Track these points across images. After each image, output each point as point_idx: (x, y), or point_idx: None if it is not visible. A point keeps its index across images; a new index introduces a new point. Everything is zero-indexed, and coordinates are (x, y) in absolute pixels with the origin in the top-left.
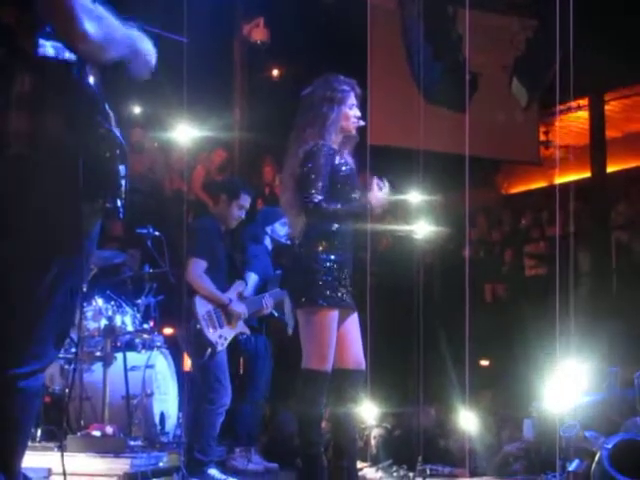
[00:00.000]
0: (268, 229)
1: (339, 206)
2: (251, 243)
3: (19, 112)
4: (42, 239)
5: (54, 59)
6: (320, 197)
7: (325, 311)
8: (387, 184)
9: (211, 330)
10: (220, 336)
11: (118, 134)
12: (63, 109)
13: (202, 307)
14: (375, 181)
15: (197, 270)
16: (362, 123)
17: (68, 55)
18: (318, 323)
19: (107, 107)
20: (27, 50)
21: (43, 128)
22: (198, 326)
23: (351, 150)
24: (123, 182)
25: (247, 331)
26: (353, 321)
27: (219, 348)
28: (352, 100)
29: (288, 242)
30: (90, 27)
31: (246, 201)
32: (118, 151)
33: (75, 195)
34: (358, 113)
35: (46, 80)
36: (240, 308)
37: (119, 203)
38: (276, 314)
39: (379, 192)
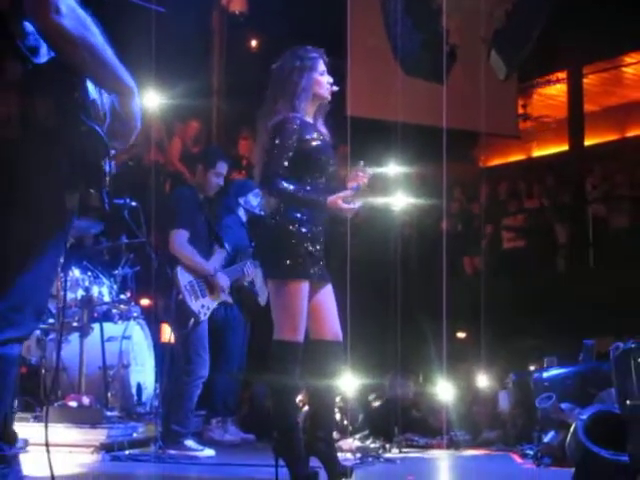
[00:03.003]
0: (241, 200)
1: (292, 187)
2: (224, 214)
3: (8, 96)
4: (28, 216)
5: (40, 50)
6: (279, 173)
7: (296, 282)
8: (357, 204)
9: (193, 300)
10: (202, 306)
11: (100, 131)
12: (49, 99)
13: (184, 277)
14: (345, 192)
15: (180, 240)
16: (335, 88)
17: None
18: (288, 294)
19: (91, 101)
20: (16, 38)
21: (30, 114)
22: (180, 296)
23: (323, 118)
24: (107, 176)
25: (230, 300)
26: (327, 292)
27: (202, 318)
28: (322, 67)
29: (262, 213)
30: (66, 21)
31: (223, 168)
32: (100, 147)
33: (58, 179)
34: (330, 79)
35: (34, 69)
36: (223, 280)
37: (104, 192)
38: (246, 284)
39: (342, 202)
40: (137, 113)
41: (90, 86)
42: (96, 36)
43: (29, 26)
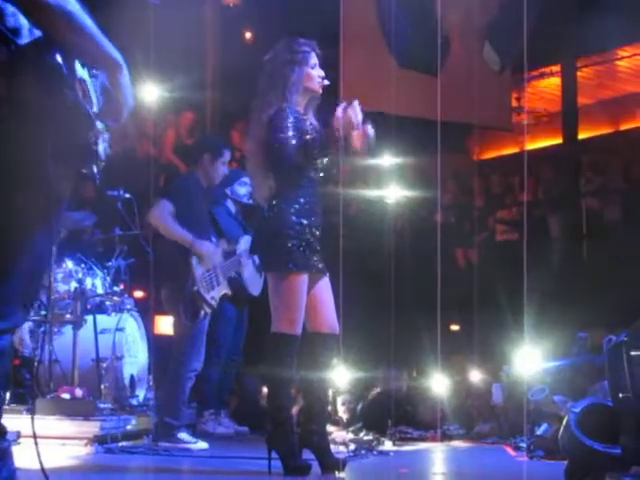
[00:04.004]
0: (227, 190)
1: (304, 155)
2: (211, 205)
3: None
4: (13, 204)
5: (22, 30)
6: (291, 151)
7: (295, 275)
8: (357, 109)
9: (207, 291)
10: (212, 297)
11: (86, 106)
12: (35, 79)
13: (199, 268)
14: (341, 106)
15: (161, 210)
16: (326, 82)
17: (37, 32)
18: (288, 287)
19: (78, 80)
20: None
21: (15, 95)
22: (195, 288)
23: (314, 111)
24: (96, 150)
25: (229, 292)
26: (325, 285)
27: (212, 308)
28: (314, 60)
29: (250, 201)
30: None
31: (228, 156)
32: (87, 123)
33: (47, 162)
34: (322, 72)
35: (17, 50)
36: (205, 246)
37: (95, 169)
38: (233, 274)
39: (341, 113)
40: (127, 88)
41: (78, 66)
42: (73, 4)
43: (9, 7)
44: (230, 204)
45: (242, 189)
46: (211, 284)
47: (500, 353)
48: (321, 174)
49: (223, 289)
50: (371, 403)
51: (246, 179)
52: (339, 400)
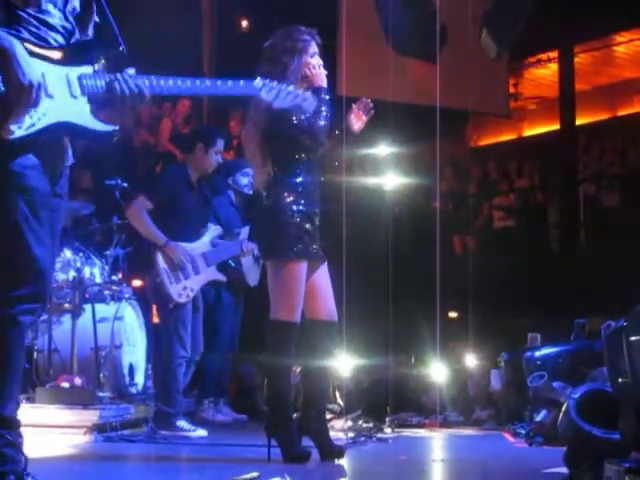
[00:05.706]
0: (229, 180)
1: (304, 121)
2: (212, 195)
3: None
4: None
5: None
6: (292, 131)
7: (294, 262)
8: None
9: (174, 283)
10: (185, 288)
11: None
12: None
13: (163, 261)
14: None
15: (138, 207)
16: (324, 72)
17: None
18: (287, 274)
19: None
20: None
21: None
22: (158, 279)
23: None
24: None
25: (222, 278)
26: (323, 272)
27: (183, 300)
28: (313, 49)
29: (250, 192)
30: None
31: (222, 145)
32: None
33: None
34: (320, 61)
35: None
36: (176, 251)
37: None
38: (233, 264)
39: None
40: (19, 72)
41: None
42: None
43: None
44: (231, 194)
45: (244, 179)
46: (184, 274)
47: (498, 339)
48: (320, 162)
49: (208, 277)
50: (370, 390)
51: (249, 169)
52: (338, 387)
